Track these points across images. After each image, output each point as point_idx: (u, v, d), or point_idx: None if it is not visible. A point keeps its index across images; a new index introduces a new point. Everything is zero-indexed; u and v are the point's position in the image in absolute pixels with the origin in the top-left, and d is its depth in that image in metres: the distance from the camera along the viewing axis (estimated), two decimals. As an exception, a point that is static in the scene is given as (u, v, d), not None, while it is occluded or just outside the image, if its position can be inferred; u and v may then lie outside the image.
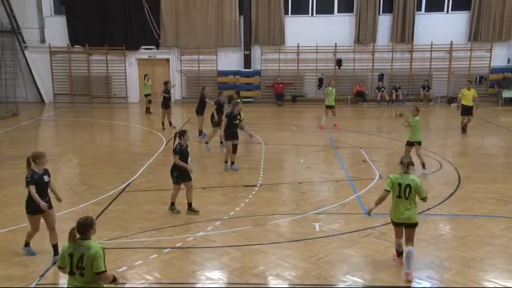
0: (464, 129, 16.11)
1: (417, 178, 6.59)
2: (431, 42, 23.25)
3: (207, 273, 6.66)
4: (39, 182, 6.77)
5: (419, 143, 11.43)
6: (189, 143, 9.19)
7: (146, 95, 21.58)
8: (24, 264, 6.90)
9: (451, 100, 23.42)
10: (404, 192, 6.43)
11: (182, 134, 8.92)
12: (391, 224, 6.76)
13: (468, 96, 15.75)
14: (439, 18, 23.62)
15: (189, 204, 8.90)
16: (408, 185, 6.44)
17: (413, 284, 6.34)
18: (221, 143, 13.44)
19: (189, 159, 9.16)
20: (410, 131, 11.40)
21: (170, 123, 17.48)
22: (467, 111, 15.86)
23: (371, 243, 7.56)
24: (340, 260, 7.00)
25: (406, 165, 6.59)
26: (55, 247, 6.97)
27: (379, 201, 6.65)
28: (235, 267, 6.78)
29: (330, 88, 17.39)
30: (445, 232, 8.21)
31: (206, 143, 14.17)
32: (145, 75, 22.24)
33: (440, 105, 23.50)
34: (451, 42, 23.42)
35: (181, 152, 8.77)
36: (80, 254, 4.62)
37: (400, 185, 6.47)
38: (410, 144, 11.49)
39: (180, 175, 8.78)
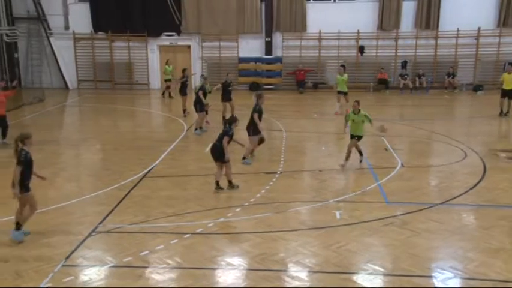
0: (502, 113, 16.63)
1: None
2: (458, 28, 22.67)
3: (228, 259, 6.70)
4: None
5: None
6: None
7: (166, 80, 21.90)
8: (51, 246, 7.06)
9: (477, 87, 22.91)
10: None
11: (234, 121, 9.64)
12: None
13: (508, 80, 16.47)
14: (466, 3, 22.93)
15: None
16: None
17: (435, 274, 6.26)
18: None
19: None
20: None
21: (184, 111, 17.21)
22: (505, 94, 16.57)
23: (392, 232, 7.48)
24: (361, 249, 6.95)
25: None
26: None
27: None
28: (255, 254, 6.80)
29: (338, 76, 18.04)
30: (469, 222, 8.06)
31: (196, 129, 14.50)
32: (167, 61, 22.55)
33: (465, 92, 22.98)
34: (479, 28, 22.78)
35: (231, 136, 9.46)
36: None
37: None
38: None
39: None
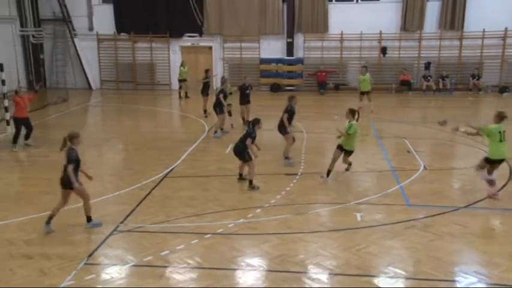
0: None
1: None
2: (483, 29, 22.21)
3: (248, 260, 6.70)
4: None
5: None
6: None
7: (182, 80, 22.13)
8: (74, 244, 7.19)
9: (503, 89, 22.42)
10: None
11: (257, 122, 9.78)
12: (489, 164, 8.85)
13: None
14: (493, 3, 22.40)
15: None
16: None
17: (459, 279, 6.14)
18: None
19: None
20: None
21: (205, 111, 17.25)
22: None
23: (414, 235, 7.38)
24: (382, 251, 6.87)
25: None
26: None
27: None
28: (275, 255, 6.78)
29: (361, 76, 18.13)
30: (494, 226, 7.90)
31: (216, 132, 14.42)
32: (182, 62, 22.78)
33: (491, 94, 22.50)
34: (505, 28, 22.27)
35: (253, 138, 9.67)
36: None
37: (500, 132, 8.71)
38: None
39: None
